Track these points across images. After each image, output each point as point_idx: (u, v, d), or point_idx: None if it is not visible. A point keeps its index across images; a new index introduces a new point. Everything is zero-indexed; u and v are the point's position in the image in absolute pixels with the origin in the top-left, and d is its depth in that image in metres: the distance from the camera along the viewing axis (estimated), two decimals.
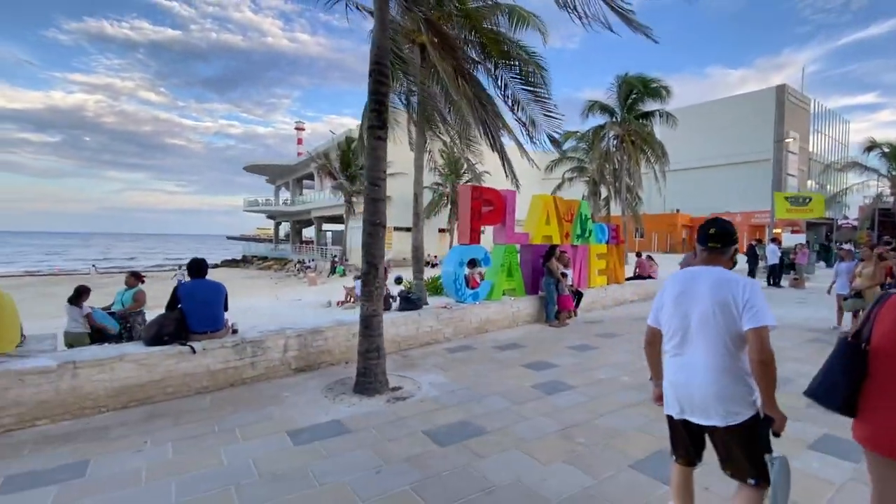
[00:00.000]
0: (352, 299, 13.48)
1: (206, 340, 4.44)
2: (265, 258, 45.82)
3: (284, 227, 52.14)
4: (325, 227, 42.73)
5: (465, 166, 29.25)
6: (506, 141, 6.72)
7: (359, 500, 2.60)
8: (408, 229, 33.06)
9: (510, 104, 5.47)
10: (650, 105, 22.45)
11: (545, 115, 5.45)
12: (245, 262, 45.82)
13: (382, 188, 4.70)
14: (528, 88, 5.21)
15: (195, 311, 4.42)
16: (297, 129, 65.48)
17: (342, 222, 39.27)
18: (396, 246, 32.11)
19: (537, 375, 4.97)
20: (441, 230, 34.26)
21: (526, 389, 4.52)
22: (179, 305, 4.43)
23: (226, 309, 4.73)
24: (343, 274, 28.38)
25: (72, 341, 5.15)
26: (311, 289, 24.40)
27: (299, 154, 52.09)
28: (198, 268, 4.60)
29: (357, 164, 27.68)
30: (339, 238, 39.35)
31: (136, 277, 6.40)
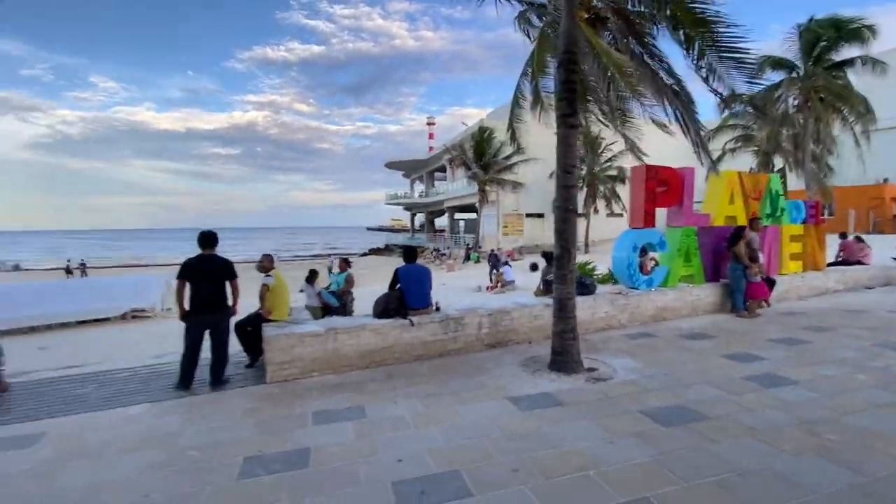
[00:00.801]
0: (500, 284, 13.98)
1: (419, 316, 5.16)
2: (403, 247, 49.82)
3: (420, 218, 55.86)
4: (458, 216, 44.58)
5: (602, 146, 27.67)
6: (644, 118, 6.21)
7: (604, 465, 2.83)
8: (540, 215, 32.76)
9: (703, 74, 5.08)
10: (846, 52, 18.25)
11: (748, 81, 4.92)
12: (388, 250, 50.40)
13: (574, 175, 4.83)
14: (729, 54, 4.76)
15: (412, 290, 5.17)
16: (428, 124, 69.28)
17: (474, 211, 40.54)
18: (529, 232, 32.04)
19: (745, 367, 4.64)
20: (578, 215, 33.08)
21: (737, 381, 4.26)
22: (399, 285, 5.21)
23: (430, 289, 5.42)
24: (477, 261, 29.37)
25: (312, 314, 6.44)
26: (450, 274, 25.85)
27: (430, 149, 55.00)
28: (410, 254, 5.34)
29: (490, 153, 28.21)
30: (471, 226, 40.74)
31: (346, 263, 7.66)
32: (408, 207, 55.73)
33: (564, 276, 4.76)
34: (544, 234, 32.63)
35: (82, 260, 30.28)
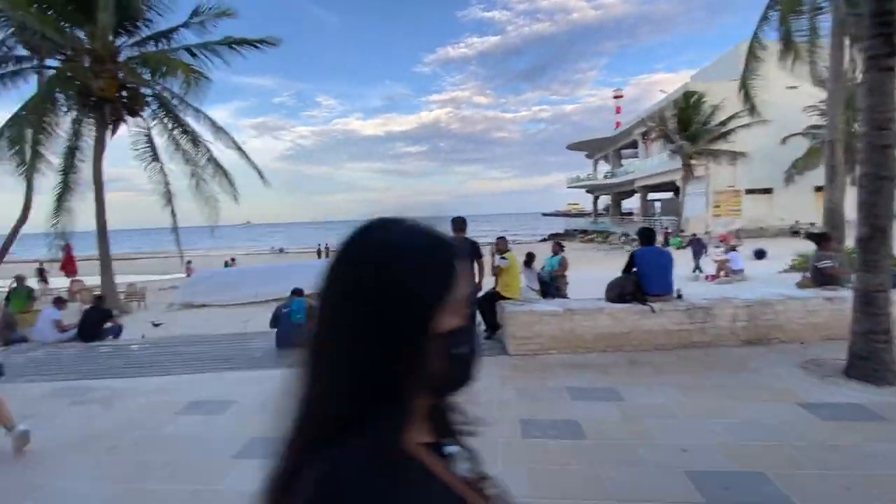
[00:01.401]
0: (724, 273, 12.07)
1: (660, 303, 4.82)
2: (585, 231, 47.61)
3: (604, 201, 52.53)
4: (652, 196, 40.24)
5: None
6: None
7: None
8: (765, 191, 26.91)
9: None
10: None
11: None
12: (568, 235, 49.05)
13: (893, 133, 3.74)
14: None
15: (651, 275, 4.86)
16: (615, 97, 64.04)
17: (672, 190, 35.92)
18: (750, 212, 26.77)
19: None
20: (818, 189, 26.16)
21: None
22: (634, 269, 4.97)
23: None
24: (679, 246, 26.01)
25: (531, 296, 6.76)
26: None
27: (617, 124, 50.77)
28: (648, 236, 5.02)
29: (699, 121, 24.37)
30: (669, 207, 36.29)
31: (559, 246, 7.75)
32: (590, 190, 52.91)
33: (876, 262, 3.77)
34: (771, 213, 26.79)
35: (327, 244, 38.55)
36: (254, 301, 12.73)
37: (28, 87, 11.51)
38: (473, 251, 5.04)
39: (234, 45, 12.08)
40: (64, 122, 11.30)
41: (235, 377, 4.72)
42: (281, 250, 50.00)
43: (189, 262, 21.50)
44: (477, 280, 5.12)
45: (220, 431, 3.41)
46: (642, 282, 4.90)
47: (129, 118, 12.03)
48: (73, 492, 2.68)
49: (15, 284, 9.35)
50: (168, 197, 12.53)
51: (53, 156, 10.83)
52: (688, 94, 25.15)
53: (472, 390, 0.54)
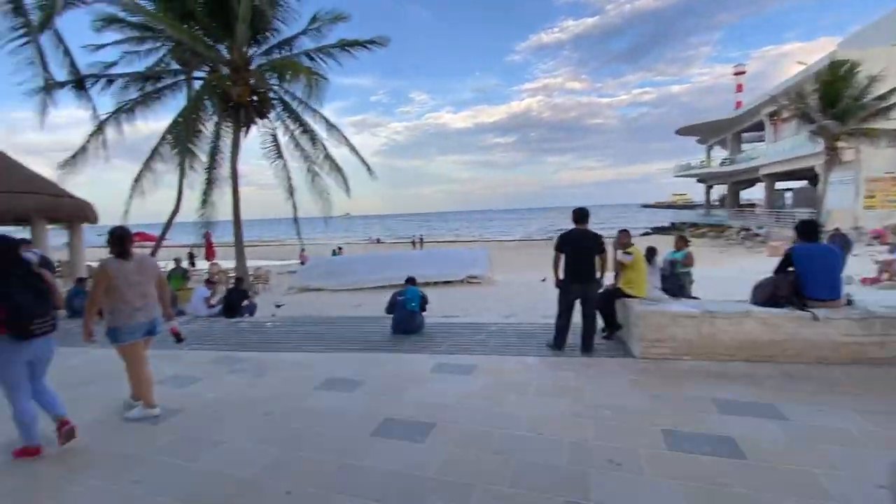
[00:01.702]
0: (886, 275, 10.09)
1: (827, 309, 4.11)
2: (696, 225, 43.17)
3: (718, 191, 47.10)
4: (780, 185, 35.14)
5: None
6: None
7: None
8: None
9: None
10: None
11: None
12: (674, 229, 44.90)
13: None
14: None
15: (815, 277, 4.17)
16: (735, 73, 56.60)
17: (806, 178, 31.05)
18: None
19: None
20: None
21: None
22: (790, 269, 4.30)
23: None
24: None
25: (657, 295, 6.24)
26: (773, 259, 20.72)
27: (738, 104, 45.01)
28: (811, 230, 4.31)
29: (850, 96, 20.54)
30: (803, 198, 31.41)
31: (684, 241, 7.06)
32: (702, 179, 47.74)
33: None
34: None
35: (420, 235, 40.06)
36: (362, 287, 13.62)
37: (174, 99, 13.48)
38: (594, 244, 4.75)
39: (346, 47, 12.88)
40: (208, 126, 13.01)
41: (358, 358, 5.03)
42: (378, 241, 52.94)
43: (302, 250, 23.63)
44: (599, 275, 4.83)
45: (354, 409, 3.63)
46: (802, 284, 4.22)
47: (258, 120, 13.50)
48: (244, 450, 3.03)
49: (173, 265, 11.04)
50: (290, 191, 13.83)
51: (201, 155, 12.47)
52: (836, 65, 21.26)
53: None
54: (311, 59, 13.20)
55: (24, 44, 9.36)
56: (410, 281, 6.31)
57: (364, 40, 12.80)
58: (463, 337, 5.69)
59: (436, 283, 13.84)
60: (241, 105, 12.72)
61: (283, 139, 14.02)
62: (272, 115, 13.68)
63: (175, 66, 13.96)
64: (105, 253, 3.69)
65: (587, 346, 4.80)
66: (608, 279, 5.22)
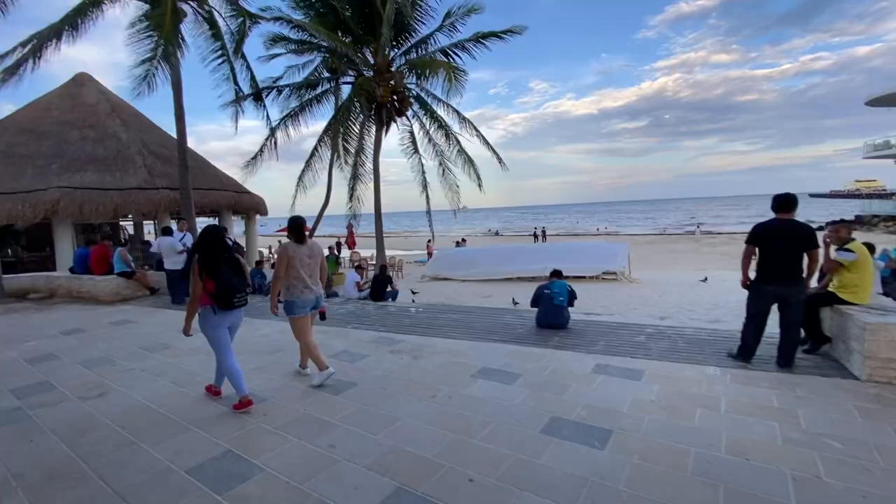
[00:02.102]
0: None
1: None
2: (893, 218, 34.36)
3: None
4: None
5: None
6: None
7: None
8: None
9: None
10: None
11: None
12: (860, 223, 36.38)
13: None
14: None
15: None
16: None
17: None
18: None
19: None
20: None
21: None
22: None
23: None
24: None
25: (885, 302, 5.01)
26: None
27: None
28: None
29: None
30: None
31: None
32: None
33: None
34: None
35: (543, 228, 39.17)
36: (490, 279, 13.71)
37: (326, 104, 15.00)
38: (803, 238, 3.91)
39: (481, 39, 12.93)
40: (354, 127, 14.25)
41: (508, 350, 4.94)
42: (496, 233, 53.20)
43: (429, 241, 24.77)
44: (805, 275, 3.98)
45: (517, 402, 3.53)
46: None
47: (397, 119, 14.39)
48: (418, 429, 3.14)
49: (328, 252, 12.38)
50: (424, 184, 14.49)
51: (349, 153, 13.72)
52: None
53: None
54: (447, 54, 13.56)
55: (221, 63, 11.27)
56: (556, 274, 6.03)
57: (500, 31, 12.69)
58: (619, 338, 5.24)
59: (565, 278, 13.21)
60: (383, 105, 13.66)
61: (418, 136, 14.74)
62: (409, 113, 14.44)
63: (326, 74, 15.58)
64: (269, 241, 4.19)
65: (787, 361, 4.00)
66: (813, 281, 4.27)
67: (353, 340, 5.51)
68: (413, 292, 12.03)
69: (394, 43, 13.80)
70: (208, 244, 3.44)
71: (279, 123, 13.59)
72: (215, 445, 2.99)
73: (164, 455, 2.88)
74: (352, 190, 14.41)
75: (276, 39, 15.05)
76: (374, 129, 14.26)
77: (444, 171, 14.91)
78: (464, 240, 24.67)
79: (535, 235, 36.16)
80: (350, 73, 14.94)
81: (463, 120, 14.26)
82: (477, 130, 14.40)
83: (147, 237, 19.05)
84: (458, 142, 13.84)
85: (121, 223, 19.31)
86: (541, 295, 5.79)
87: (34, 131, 14.22)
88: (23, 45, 9.55)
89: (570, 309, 5.78)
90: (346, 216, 15.18)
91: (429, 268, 15.81)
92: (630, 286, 12.47)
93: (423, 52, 13.87)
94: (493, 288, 13.00)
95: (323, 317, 4.38)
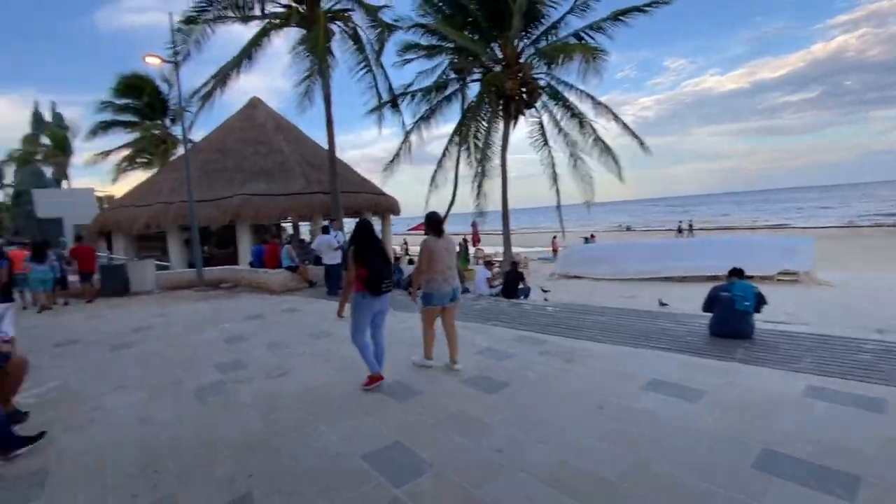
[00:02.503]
0: None
1: None
2: None
3: None
4: None
5: None
6: None
7: None
8: None
9: None
10: None
11: None
12: None
13: None
14: None
15: None
16: None
17: None
18: None
19: None
20: None
21: None
22: None
23: None
24: None
25: None
26: None
27: None
28: None
29: None
30: None
31: None
32: None
33: None
34: None
35: (690, 221, 34.99)
36: (631, 278, 12.54)
37: (453, 106, 15.23)
38: None
39: (620, 17, 11.84)
40: (482, 123, 14.27)
41: (678, 360, 4.27)
42: (627, 228, 49.15)
43: (554, 237, 23.83)
44: None
45: (709, 426, 2.95)
46: None
47: (525, 112, 14.01)
48: (591, 445, 2.79)
49: (458, 248, 12.61)
50: (554, 178, 13.87)
51: (476, 151, 13.76)
52: None
53: None
54: (580, 38, 12.74)
55: (365, 73, 12.22)
56: (737, 273, 5.06)
57: (642, 4, 11.45)
58: (832, 354, 4.17)
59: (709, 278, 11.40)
60: (512, 98, 13.41)
61: (547, 127, 14.15)
62: (538, 104, 13.95)
63: (453, 76, 15.90)
64: (399, 239, 4.23)
65: None
66: None
67: (495, 338, 5.36)
68: (544, 290, 11.55)
69: (522, 33, 13.44)
70: (363, 234, 3.82)
71: (413, 127, 14.26)
72: (382, 435, 3.05)
73: (339, 438, 3.03)
74: (478, 187, 14.46)
75: (408, 47, 15.86)
76: (501, 124, 14.12)
77: (575, 162, 14.09)
78: (593, 236, 23.18)
79: (680, 230, 32.30)
80: (476, 71, 15.03)
81: (598, 105, 13.26)
82: (614, 115, 13.27)
83: (301, 237, 21.81)
84: (594, 129, 12.89)
85: (282, 224, 22.44)
86: (717, 297, 4.91)
87: (221, 149, 17.23)
88: (213, 77, 11.57)
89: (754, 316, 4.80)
90: (469, 214, 15.34)
91: (559, 265, 15.11)
92: (818, 289, 10.16)
93: (554, 38, 13.25)
94: (634, 288, 11.82)
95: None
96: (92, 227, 17.15)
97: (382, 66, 13.22)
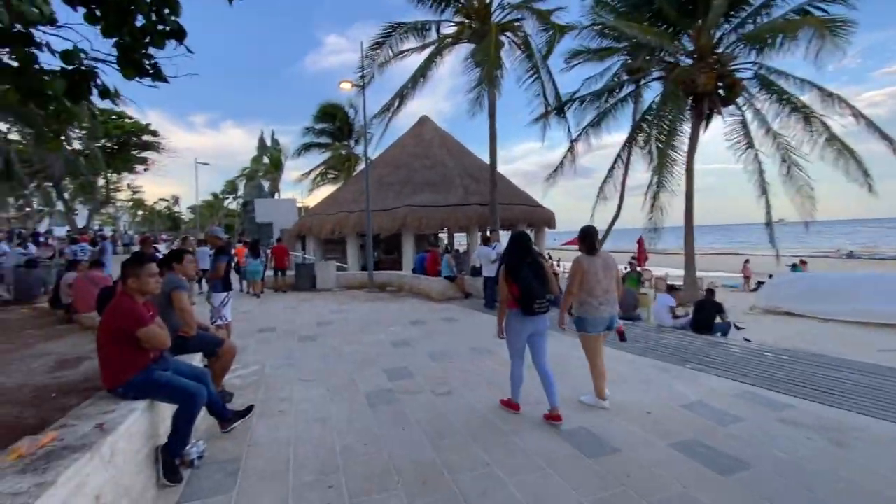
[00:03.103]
0: None
1: None
2: None
3: None
4: None
5: None
6: None
7: None
8: None
9: None
10: None
11: None
12: None
13: None
14: None
15: None
16: None
17: None
18: None
19: None
20: None
21: None
22: None
23: None
24: None
25: None
26: None
27: None
28: None
29: None
30: None
31: None
32: None
33: None
34: None
35: None
36: (879, 321, 9.30)
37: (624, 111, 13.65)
38: None
39: None
40: (664, 126, 12.47)
41: None
42: (850, 254, 38.48)
43: (746, 262, 19.83)
44: None
45: None
46: None
47: (721, 110, 11.77)
48: None
49: (628, 269, 11.14)
50: (763, 187, 11.29)
51: (661, 156, 11.98)
52: None
53: None
54: (806, 13, 10.13)
55: (533, 81, 11.82)
56: None
57: None
58: None
59: None
60: (704, 95, 11.40)
61: (751, 126, 11.62)
62: (740, 100, 11.58)
63: (625, 78, 14.41)
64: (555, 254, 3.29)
65: None
66: None
67: (706, 389, 4.18)
68: (738, 327, 9.31)
69: (723, 18, 11.35)
70: (515, 248, 3.51)
71: (580, 134, 13.30)
72: (571, 490, 2.39)
73: (524, 495, 2.48)
74: (653, 199, 12.64)
75: (576, 53, 15.02)
76: (687, 127, 12.11)
77: (788, 168, 11.23)
78: (803, 262, 18.41)
79: None
80: (655, 70, 13.31)
81: (827, 97, 10.33)
82: (851, 107, 10.16)
83: (456, 247, 22.49)
84: (827, 127, 10.04)
85: (438, 234, 23.54)
86: None
87: (393, 164, 18.84)
88: (394, 97, 12.56)
89: None
90: (633, 230, 13.53)
91: (763, 297, 12.14)
92: None
93: (766, 18, 10.83)
94: (885, 335, 8.67)
95: (623, 337, 4.06)
96: (292, 230, 20.52)
97: (550, 72, 12.66)
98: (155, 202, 59.25)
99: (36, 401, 2.90)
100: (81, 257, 11.96)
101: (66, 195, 27.12)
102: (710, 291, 8.00)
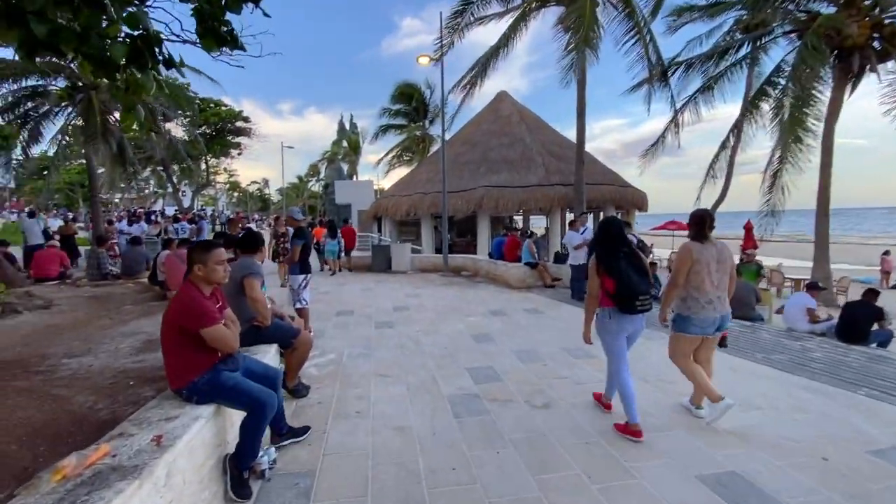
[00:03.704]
0: None
1: None
2: None
3: None
4: None
5: None
6: None
7: None
8: None
9: None
10: None
11: None
12: None
13: None
14: None
15: None
16: None
17: None
18: None
19: None
20: None
21: None
22: None
23: None
24: None
25: None
26: None
27: None
28: None
29: None
30: None
31: None
32: None
33: None
34: None
35: None
36: None
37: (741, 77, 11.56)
38: None
39: None
40: (795, 88, 10.41)
41: None
42: None
43: (885, 253, 16.65)
44: None
45: None
46: None
47: (878, 66, 9.50)
48: None
49: (744, 258, 9.57)
50: None
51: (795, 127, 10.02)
52: None
53: None
54: None
55: (634, 43, 10.40)
56: None
57: None
58: None
59: None
60: (855, 49, 9.25)
61: None
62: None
63: (739, 36, 12.34)
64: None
65: None
66: None
67: (885, 421, 3.13)
68: None
69: None
70: (607, 236, 3.05)
71: (686, 103, 11.63)
72: None
73: None
74: (773, 177, 10.72)
75: (682, 10, 13.18)
76: (827, 89, 9.97)
77: None
78: None
79: None
80: (781, 25, 11.12)
81: None
82: None
83: (533, 230, 21.42)
84: None
85: (513, 217, 22.57)
86: None
87: (469, 142, 18.13)
88: (473, 67, 11.80)
89: None
90: (741, 214, 11.64)
91: None
92: None
93: None
94: None
95: (723, 343, 3.70)
96: (369, 211, 20.78)
97: (652, 33, 11.09)
98: (248, 185, 64.35)
99: (113, 389, 2.77)
100: (182, 234, 12.93)
101: (175, 178, 30.05)
102: (872, 291, 6.38)
